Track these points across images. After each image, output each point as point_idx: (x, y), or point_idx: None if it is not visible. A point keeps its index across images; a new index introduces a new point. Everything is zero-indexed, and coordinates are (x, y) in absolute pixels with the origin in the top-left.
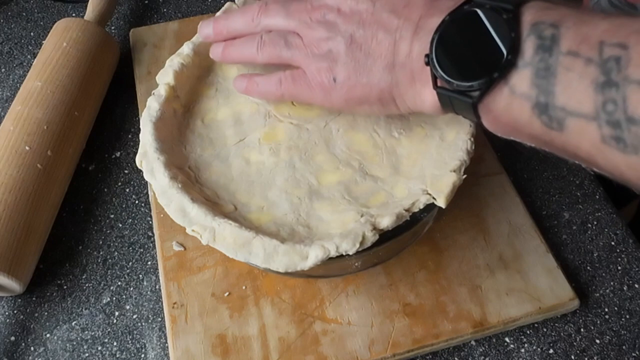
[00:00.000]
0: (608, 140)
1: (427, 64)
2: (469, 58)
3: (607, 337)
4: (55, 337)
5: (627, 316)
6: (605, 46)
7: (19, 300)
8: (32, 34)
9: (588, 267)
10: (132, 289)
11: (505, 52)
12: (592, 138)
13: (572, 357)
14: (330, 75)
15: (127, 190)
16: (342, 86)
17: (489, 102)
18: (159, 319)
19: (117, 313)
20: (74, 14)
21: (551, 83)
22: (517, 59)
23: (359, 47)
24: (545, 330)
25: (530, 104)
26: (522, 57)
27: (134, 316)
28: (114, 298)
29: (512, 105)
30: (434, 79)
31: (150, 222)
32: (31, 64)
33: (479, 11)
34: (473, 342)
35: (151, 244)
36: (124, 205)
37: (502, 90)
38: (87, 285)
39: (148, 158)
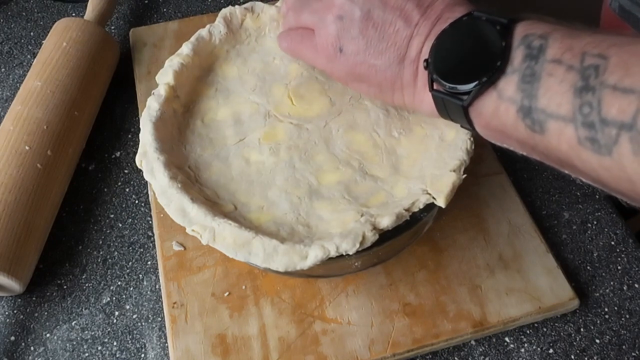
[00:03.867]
0: (583, 142)
1: (426, 67)
2: (462, 64)
3: (607, 336)
4: (55, 337)
5: (627, 316)
6: (587, 56)
7: (19, 300)
8: (32, 33)
9: (588, 267)
10: (132, 288)
11: (495, 60)
12: (569, 139)
13: (572, 356)
14: (337, 44)
15: (127, 190)
16: (347, 59)
17: (479, 106)
18: (159, 319)
19: (117, 313)
20: (74, 14)
21: (535, 87)
22: (506, 66)
23: (375, 26)
24: (545, 330)
25: (516, 107)
26: (511, 64)
27: (134, 316)
28: (114, 298)
29: (499, 109)
30: (431, 82)
31: (150, 222)
32: (31, 64)
33: (475, 22)
34: (473, 342)
35: (151, 244)
36: (123, 205)
37: (491, 94)
38: (87, 285)
39: (148, 158)
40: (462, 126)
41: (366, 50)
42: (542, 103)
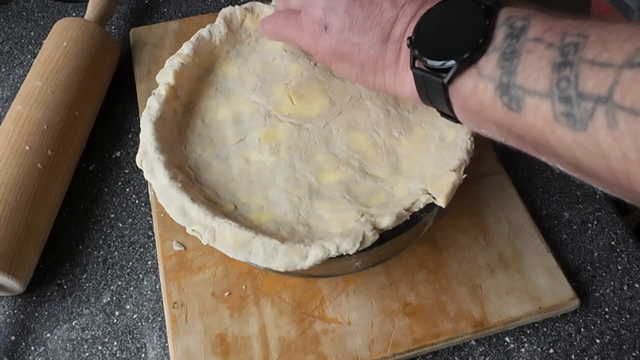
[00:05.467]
0: (559, 117)
1: (409, 45)
2: (445, 41)
3: (607, 336)
4: (56, 337)
5: (627, 316)
6: (567, 35)
7: (19, 299)
8: (32, 33)
9: (588, 267)
10: (132, 288)
11: (477, 37)
12: (546, 115)
13: (572, 356)
14: (323, 22)
15: (127, 189)
16: (332, 37)
17: (458, 84)
18: (159, 319)
19: (117, 313)
20: (74, 14)
21: (514, 64)
22: (488, 45)
23: (361, 6)
24: (545, 330)
25: (494, 84)
26: (492, 43)
27: (134, 316)
28: (114, 298)
29: (478, 87)
30: (413, 59)
31: (151, 222)
32: (31, 64)
33: (460, 3)
34: (473, 342)
35: (151, 244)
36: (124, 205)
37: (471, 72)
38: (87, 284)
39: (148, 158)
40: (441, 113)
41: (351, 28)
42: (520, 79)
